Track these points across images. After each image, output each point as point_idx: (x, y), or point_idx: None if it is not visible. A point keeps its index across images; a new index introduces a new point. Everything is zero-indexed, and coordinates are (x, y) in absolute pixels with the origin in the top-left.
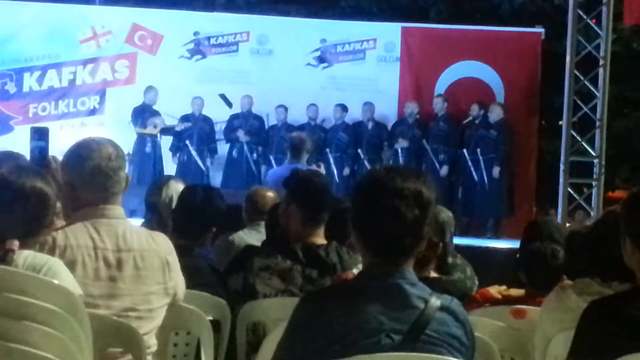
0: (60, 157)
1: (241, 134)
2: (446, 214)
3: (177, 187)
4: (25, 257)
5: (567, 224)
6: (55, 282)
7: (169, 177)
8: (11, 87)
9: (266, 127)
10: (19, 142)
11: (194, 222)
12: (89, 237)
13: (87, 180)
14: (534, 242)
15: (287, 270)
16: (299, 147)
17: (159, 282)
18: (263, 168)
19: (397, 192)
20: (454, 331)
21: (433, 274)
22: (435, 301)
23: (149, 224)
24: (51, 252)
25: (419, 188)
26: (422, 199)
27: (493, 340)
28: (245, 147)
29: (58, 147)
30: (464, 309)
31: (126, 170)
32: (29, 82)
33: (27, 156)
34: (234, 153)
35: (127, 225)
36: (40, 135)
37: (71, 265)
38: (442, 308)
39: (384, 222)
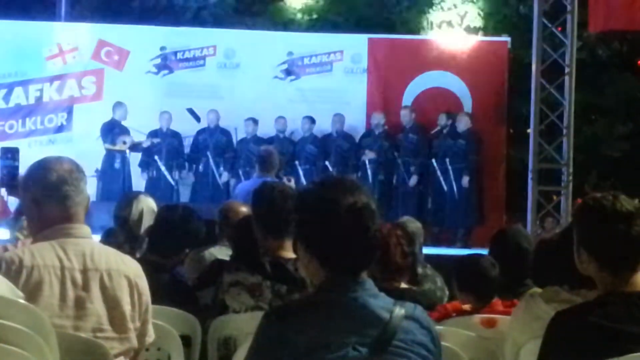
0: None
1: (207, 149)
2: (415, 225)
3: (147, 202)
4: None
5: (537, 232)
6: (21, 301)
7: (139, 192)
8: None
9: (234, 141)
10: None
11: (171, 240)
12: (56, 257)
13: (51, 191)
14: (502, 250)
15: (257, 285)
16: (267, 160)
17: (128, 303)
18: (233, 182)
19: (353, 206)
20: (420, 338)
21: (403, 285)
22: (400, 310)
23: (116, 239)
24: (18, 272)
25: (368, 200)
26: (374, 211)
27: (463, 351)
28: (211, 161)
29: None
30: (427, 316)
31: (87, 189)
32: None
33: None
34: (201, 168)
35: (94, 245)
36: (10, 155)
37: (38, 285)
38: (407, 317)
39: (346, 237)
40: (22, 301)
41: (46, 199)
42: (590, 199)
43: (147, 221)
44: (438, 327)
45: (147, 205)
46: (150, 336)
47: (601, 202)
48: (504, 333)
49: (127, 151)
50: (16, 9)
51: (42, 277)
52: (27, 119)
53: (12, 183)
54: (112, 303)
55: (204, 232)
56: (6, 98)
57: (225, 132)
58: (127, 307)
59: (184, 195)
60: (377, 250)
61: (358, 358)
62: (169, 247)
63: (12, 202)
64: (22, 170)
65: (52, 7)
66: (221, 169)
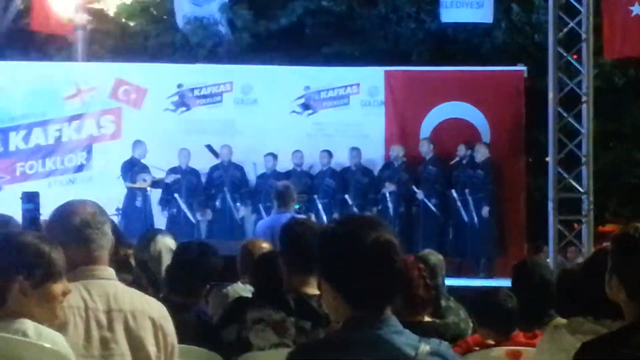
0: None
1: (223, 185)
2: (436, 257)
3: (164, 242)
4: (24, 327)
5: (559, 261)
6: (47, 345)
7: (156, 231)
8: None
9: (249, 176)
10: (7, 202)
11: (190, 278)
12: (80, 298)
13: (75, 235)
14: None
15: (280, 322)
16: (285, 195)
17: (153, 344)
18: (253, 217)
19: (376, 242)
20: None
21: (427, 318)
22: (425, 347)
23: (139, 282)
24: None
25: (390, 235)
26: (396, 246)
27: None
28: (228, 197)
29: (48, 205)
30: (453, 351)
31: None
32: (15, 141)
33: (17, 218)
34: (218, 204)
35: (118, 286)
36: (30, 199)
37: (63, 325)
38: (432, 353)
39: (370, 273)
40: (47, 345)
41: (70, 242)
42: (632, 227)
43: (166, 260)
44: None
45: (165, 245)
46: None
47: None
48: None
49: (148, 189)
50: (34, 51)
51: (67, 317)
52: (47, 159)
53: (33, 227)
54: (136, 344)
55: (222, 268)
56: (26, 139)
57: (239, 168)
58: (151, 348)
59: (205, 232)
60: (400, 285)
61: None
62: (188, 285)
63: None
64: (42, 211)
65: (69, 48)
66: (238, 204)
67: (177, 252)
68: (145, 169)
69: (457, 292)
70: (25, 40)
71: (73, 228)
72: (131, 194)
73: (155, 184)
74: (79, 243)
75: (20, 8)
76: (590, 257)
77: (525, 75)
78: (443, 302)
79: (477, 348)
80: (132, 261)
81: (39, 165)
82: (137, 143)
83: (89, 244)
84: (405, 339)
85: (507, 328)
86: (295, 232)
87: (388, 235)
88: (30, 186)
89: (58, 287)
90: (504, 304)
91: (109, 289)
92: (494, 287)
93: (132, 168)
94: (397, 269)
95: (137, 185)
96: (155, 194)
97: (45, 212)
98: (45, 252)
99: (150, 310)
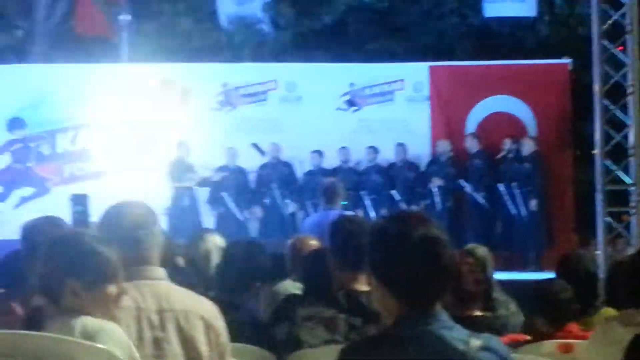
0: None
1: (272, 182)
2: (483, 250)
3: (213, 240)
4: (82, 323)
5: (608, 254)
6: (98, 345)
7: (204, 230)
8: (45, 149)
9: (296, 173)
10: (56, 203)
11: (239, 278)
12: (132, 298)
13: (125, 236)
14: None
15: (331, 319)
16: (332, 192)
17: (204, 344)
18: (301, 214)
19: (425, 238)
20: None
21: (477, 312)
22: (476, 342)
23: (190, 281)
24: None
25: (438, 231)
26: (445, 241)
27: None
28: (277, 194)
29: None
30: (504, 345)
31: (159, 230)
32: (63, 143)
33: (67, 220)
34: (267, 201)
35: (169, 286)
36: (79, 202)
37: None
38: (483, 347)
39: (419, 269)
40: (101, 346)
41: (120, 243)
42: None
43: (215, 259)
44: (515, 355)
45: (214, 244)
46: None
47: None
48: (581, 358)
49: (195, 188)
50: (79, 53)
51: (119, 318)
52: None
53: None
54: (188, 344)
55: (270, 266)
56: (73, 140)
57: (288, 165)
58: (203, 348)
59: (254, 230)
60: (450, 280)
61: None
62: (237, 284)
63: None
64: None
65: (115, 50)
66: (287, 201)
67: (226, 251)
68: (190, 168)
69: (506, 286)
70: (70, 42)
71: (123, 229)
72: (178, 194)
73: (201, 182)
74: (129, 244)
75: (65, 11)
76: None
77: (570, 67)
78: (493, 296)
79: (528, 339)
80: (180, 261)
81: (87, 167)
82: (181, 143)
83: (139, 245)
84: (456, 334)
85: (561, 319)
86: (345, 228)
87: (436, 231)
88: (78, 187)
89: (112, 289)
90: (559, 294)
91: (160, 289)
92: (549, 278)
93: (179, 167)
94: (445, 264)
95: (184, 184)
96: (203, 193)
97: (95, 214)
98: (99, 253)
99: (201, 310)
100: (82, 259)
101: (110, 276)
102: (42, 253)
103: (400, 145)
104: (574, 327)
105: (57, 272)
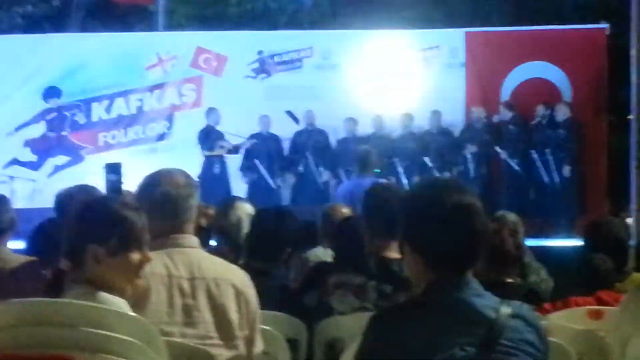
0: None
1: (306, 150)
2: (513, 216)
3: (244, 208)
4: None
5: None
6: (131, 313)
7: (234, 198)
8: (80, 118)
9: (330, 141)
10: (90, 172)
11: (268, 244)
12: (163, 266)
13: (157, 207)
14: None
15: (361, 286)
16: (365, 160)
17: (235, 311)
18: (333, 182)
19: (459, 205)
20: (527, 337)
21: (508, 279)
22: (506, 309)
23: (219, 248)
24: None
25: (473, 198)
26: (479, 209)
27: (571, 345)
28: (311, 162)
29: (130, 175)
30: (534, 313)
31: (197, 200)
32: (98, 111)
33: (100, 189)
34: (301, 169)
35: (201, 254)
36: (113, 170)
37: (146, 292)
38: (514, 315)
39: (452, 236)
40: (132, 313)
41: (155, 211)
42: None
43: (246, 227)
44: (544, 322)
45: (245, 211)
46: (259, 347)
47: None
48: (611, 325)
49: (225, 156)
50: (115, 22)
51: (150, 285)
52: (129, 129)
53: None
54: (219, 311)
55: (300, 232)
56: (108, 109)
57: (323, 133)
58: (234, 315)
59: (286, 198)
60: (482, 248)
61: (466, 358)
62: (267, 251)
63: None
64: (125, 180)
65: (150, 18)
66: (321, 168)
67: (255, 218)
68: (221, 135)
69: (538, 252)
70: (106, 11)
71: (158, 197)
72: (209, 162)
73: (231, 150)
74: (164, 212)
75: None
76: None
77: (608, 32)
78: (526, 259)
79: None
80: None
81: (121, 135)
82: (211, 110)
83: (173, 214)
84: (487, 301)
85: (596, 287)
86: (379, 195)
87: (470, 198)
88: (112, 156)
89: (135, 256)
90: (599, 267)
91: (192, 257)
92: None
93: (209, 135)
94: (479, 231)
95: (215, 152)
96: (235, 161)
97: (128, 182)
98: (125, 220)
99: (232, 278)
100: (105, 225)
101: (134, 243)
102: (69, 218)
103: (436, 112)
104: (604, 293)
105: (80, 237)
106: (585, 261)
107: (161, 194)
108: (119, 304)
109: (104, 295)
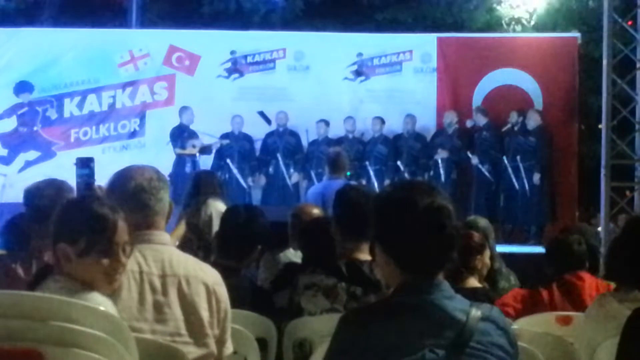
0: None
1: (277, 151)
2: (484, 221)
3: (216, 206)
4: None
5: (611, 229)
6: (101, 308)
7: (207, 197)
8: (52, 113)
9: (303, 142)
10: (61, 168)
11: (238, 242)
12: (135, 262)
13: (130, 200)
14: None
15: (332, 287)
16: (336, 162)
17: (206, 309)
18: (305, 183)
19: (430, 207)
20: (497, 340)
21: (478, 284)
22: (476, 312)
23: (190, 245)
24: None
25: (444, 201)
26: (450, 211)
27: (538, 349)
28: (281, 163)
29: (101, 171)
30: (504, 317)
31: (168, 196)
32: (70, 107)
33: (70, 183)
34: (271, 170)
35: (173, 251)
36: (85, 164)
37: (117, 289)
38: (483, 318)
39: (423, 238)
40: (102, 308)
41: (126, 207)
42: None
43: (217, 225)
44: (513, 327)
45: (216, 209)
46: (229, 348)
47: None
48: (579, 331)
49: (197, 155)
50: (88, 17)
51: (122, 281)
52: (101, 126)
53: (87, 192)
54: (189, 309)
55: (270, 230)
56: (80, 105)
57: (294, 134)
58: (205, 314)
59: (257, 198)
60: (453, 251)
61: None
62: (237, 249)
63: None
64: (96, 177)
65: (123, 15)
66: (291, 170)
67: (225, 216)
68: (193, 134)
69: (508, 259)
70: (79, 6)
71: (129, 193)
72: (180, 160)
73: (204, 149)
74: (135, 208)
75: None
76: (627, 223)
77: (580, 41)
78: (497, 264)
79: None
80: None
81: (93, 132)
82: (184, 109)
83: (144, 209)
84: (457, 304)
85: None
86: (350, 197)
87: (442, 201)
88: (84, 152)
89: (104, 261)
90: (572, 245)
91: (164, 254)
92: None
93: (181, 134)
94: (450, 234)
95: (187, 151)
96: (207, 160)
97: (99, 179)
98: (98, 223)
99: (204, 276)
100: (76, 225)
101: (102, 248)
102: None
103: (409, 116)
104: (586, 274)
105: (53, 234)
106: (559, 243)
107: (133, 186)
108: (97, 299)
109: (84, 291)
